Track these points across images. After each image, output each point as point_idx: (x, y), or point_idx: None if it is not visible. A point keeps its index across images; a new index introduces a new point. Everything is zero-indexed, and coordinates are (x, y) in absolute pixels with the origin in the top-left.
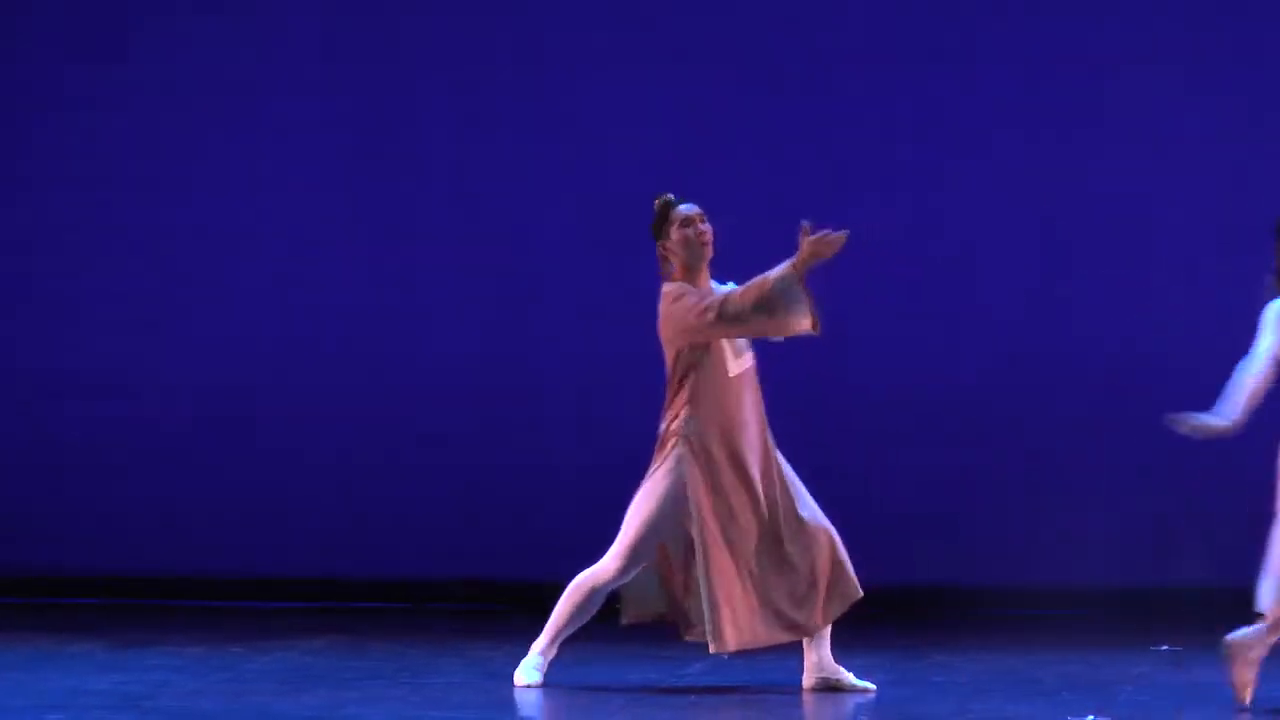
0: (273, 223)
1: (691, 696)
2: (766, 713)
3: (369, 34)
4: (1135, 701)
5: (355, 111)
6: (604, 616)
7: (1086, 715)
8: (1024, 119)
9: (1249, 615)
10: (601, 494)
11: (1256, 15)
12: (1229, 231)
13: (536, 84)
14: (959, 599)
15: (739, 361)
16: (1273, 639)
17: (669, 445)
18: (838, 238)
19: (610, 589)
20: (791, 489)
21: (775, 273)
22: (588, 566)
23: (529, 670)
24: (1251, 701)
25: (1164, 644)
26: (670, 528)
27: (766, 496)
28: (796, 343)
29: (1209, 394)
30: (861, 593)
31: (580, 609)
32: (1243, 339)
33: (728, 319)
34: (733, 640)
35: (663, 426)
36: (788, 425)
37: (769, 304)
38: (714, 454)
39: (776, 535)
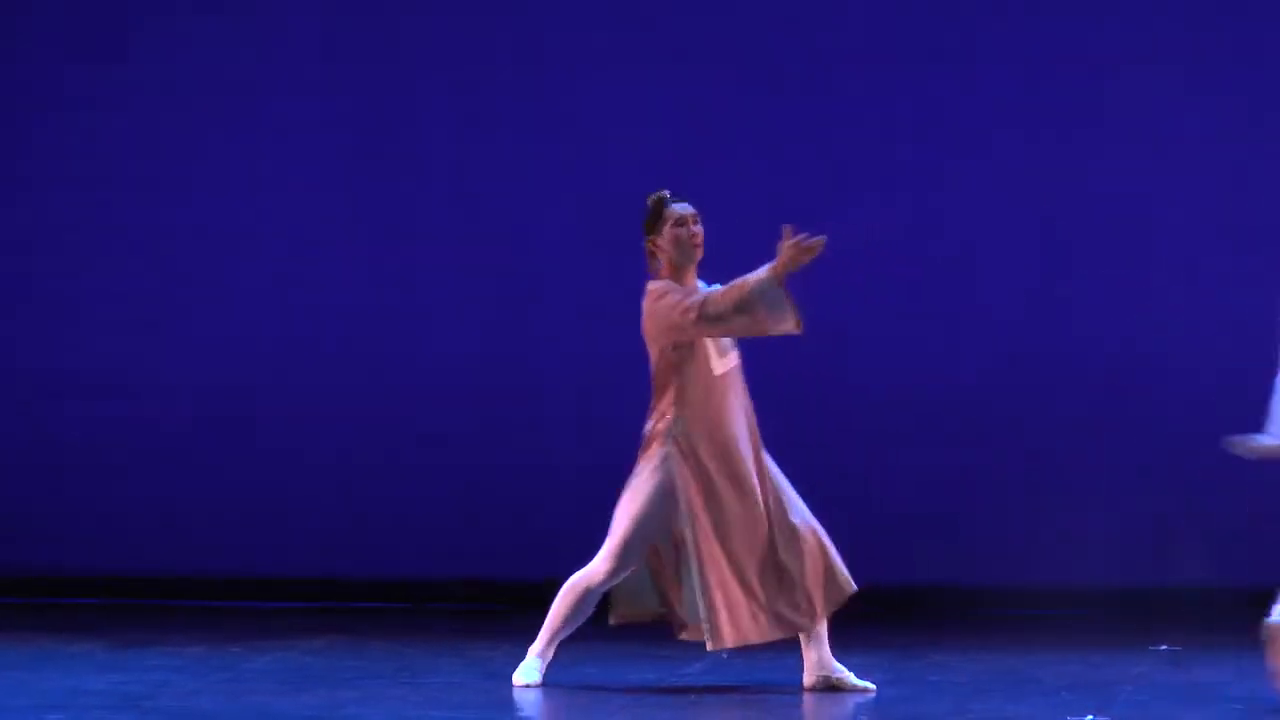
0: (273, 223)
1: (691, 696)
2: (766, 713)
3: (369, 34)
4: (1134, 701)
5: (355, 111)
6: (602, 617)
7: (1086, 715)
8: (1024, 119)
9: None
10: (601, 494)
11: (1256, 15)
12: (1229, 231)
13: (536, 84)
14: (958, 599)
15: (724, 361)
16: None
17: (655, 445)
18: (816, 242)
19: (604, 590)
20: (782, 493)
21: (754, 277)
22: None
23: (527, 672)
24: None
25: (1163, 644)
26: (659, 527)
27: (758, 495)
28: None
29: (1209, 394)
30: (855, 588)
31: (575, 611)
32: (1243, 339)
33: (709, 319)
34: (730, 637)
35: (648, 426)
36: (788, 425)
37: (749, 306)
38: (702, 453)
39: (770, 537)
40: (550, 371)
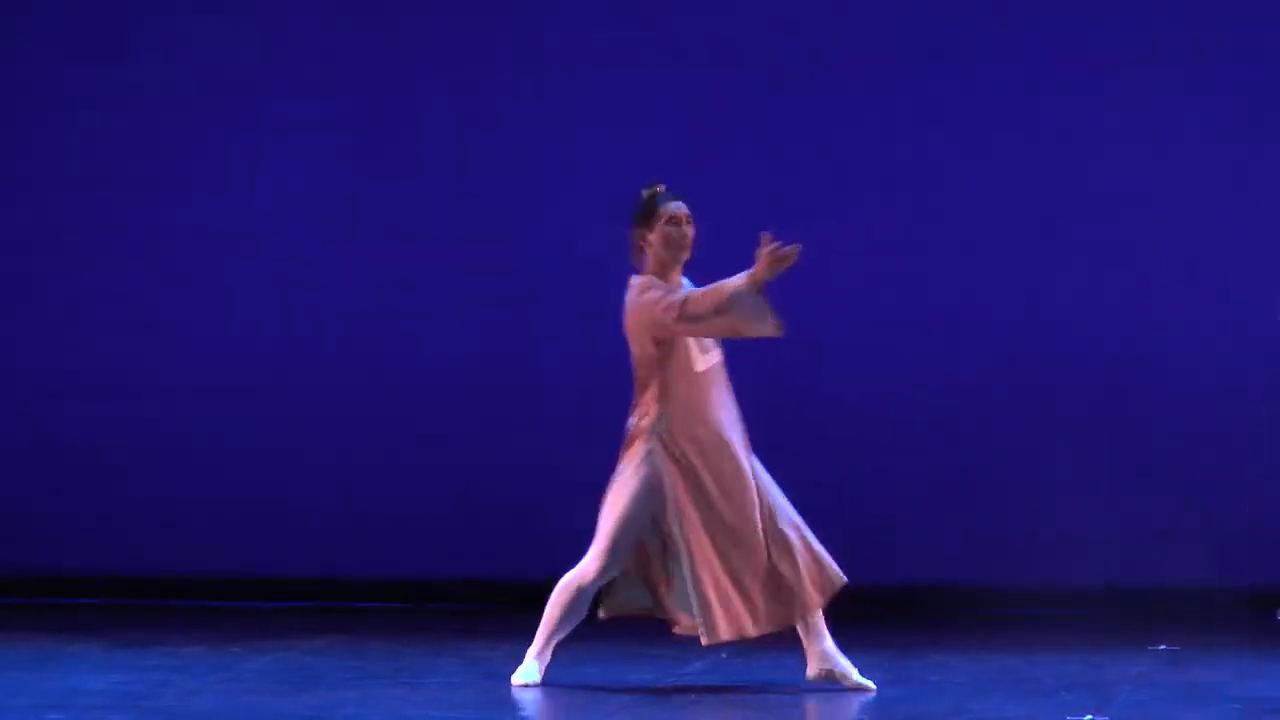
0: (273, 223)
1: (691, 696)
2: (766, 713)
3: (369, 34)
4: (1133, 701)
5: (355, 111)
6: (594, 614)
7: (1085, 715)
8: (1024, 119)
9: (1249, 615)
10: (601, 494)
11: (1256, 15)
12: (1229, 231)
13: (536, 84)
14: (958, 599)
15: (706, 358)
16: None
17: (639, 442)
18: (791, 251)
19: (596, 588)
20: (771, 500)
21: (732, 283)
22: None
23: (526, 673)
24: None
25: (1162, 644)
26: (646, 523)
27: (745, 490)
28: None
29: (1209, 394)
30: (845, 579)
31: (569, 611)
32: (1243, 339)
33: (689, 318)
34: (725, 631)
35: (631, 423)
36: (791, 425)
37: (727, 309)
38: (686, 449)
39: (766, 546)
40: (550, 371)
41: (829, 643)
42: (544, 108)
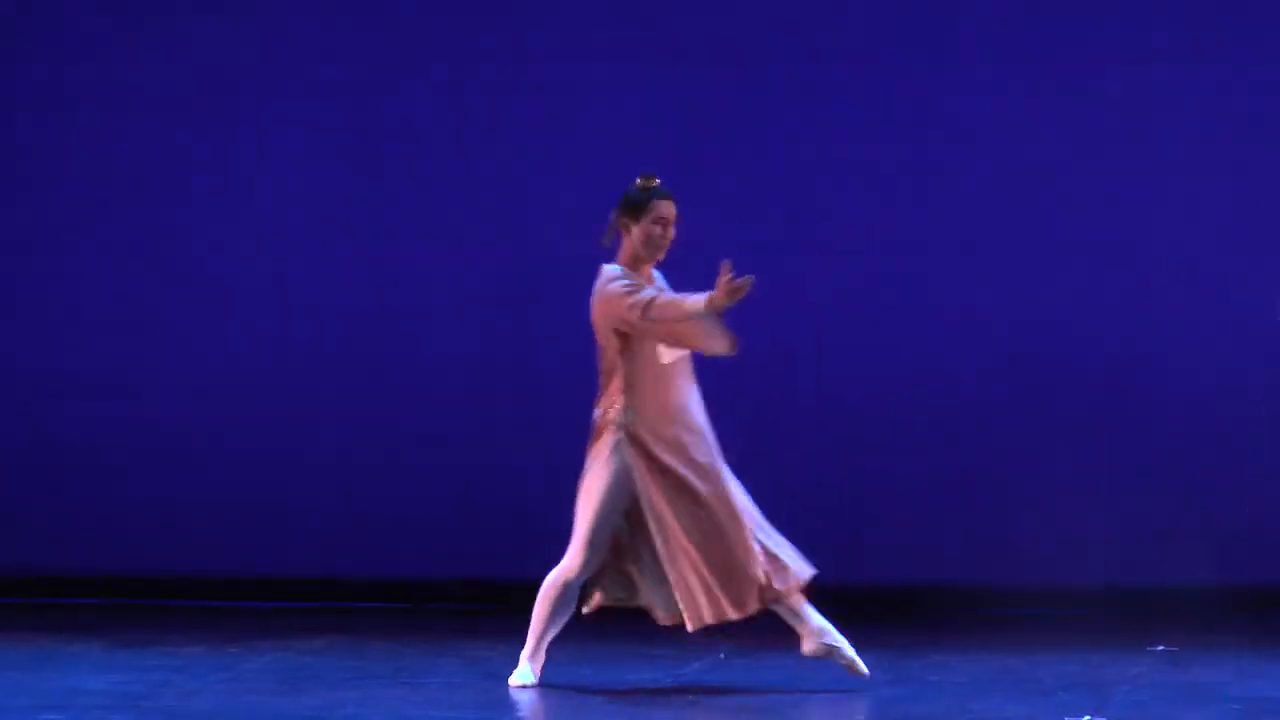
0: (273, 223)
1: (690, 697)
2: (765, 713)
3: (369, 34)
4: (1132, 701)
5: (355, 111)
6: (601, 617)
7: (1084, 715)
8: (1024, 119)
9: (1249, 615)
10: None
11: (1257, 15)
12: (1229, 231)
13: (536, 84)
14: (958, 599)
15: (672, 350)
16: None
17: (606, 434)
18: (744, 283)
19: (581, 581)
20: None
21: (691, 302)
22: None
23: (522, 674)
24: None
25: (1161, 644)
26: (620, 514)
27: (713, 480)
28: (798, 344)
29: (1209, 394)
30: (813, 570)
31: (557, 608)
32: (1243, 339)
33: (651, 320)
34: (708, 614)
35: (597, 415)
36: (787, 425)
37: (684, 323)
38: (651, 441)
39: (736, 518)
40: (550, 371)
41: (818, 619)
42: (544, 107)
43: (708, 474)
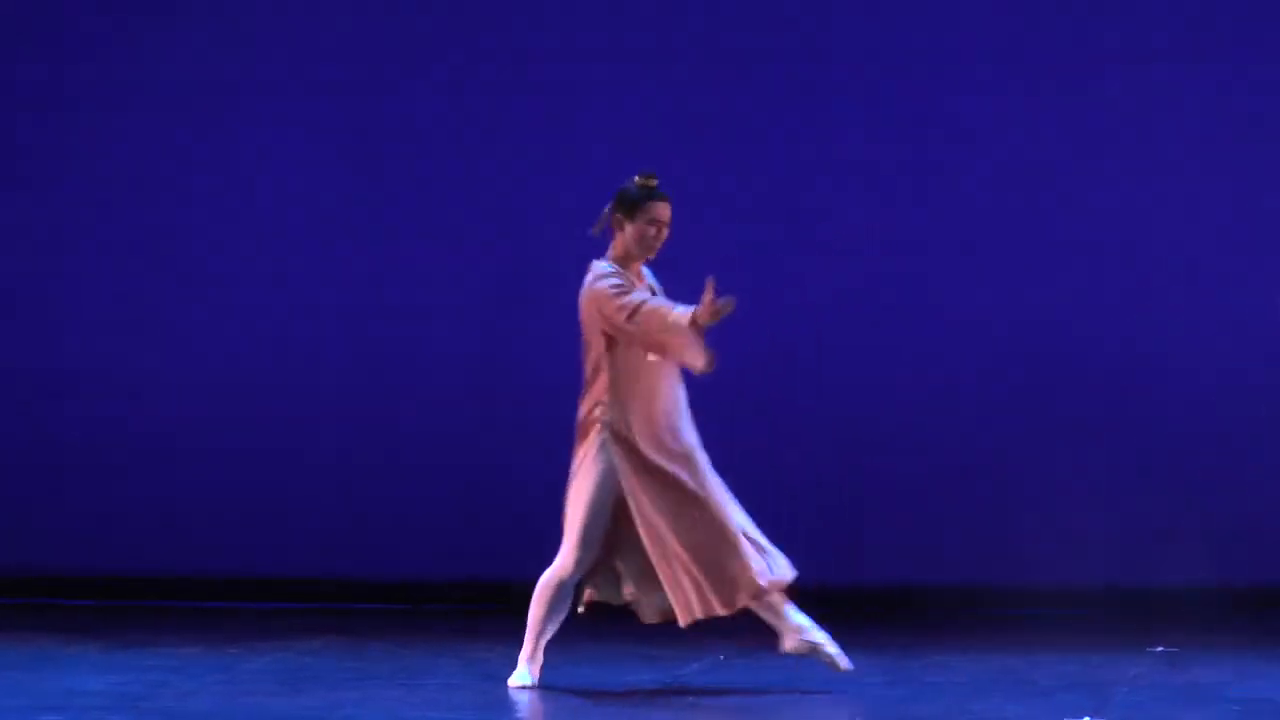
0: (272, 223)
1: (689, 698)
2: (765, 713)
3: (368, 34)
4: (1131, 702)
5: (355, 111)
6: (600, 618)
7: (1083, 716)
8: (1024, 119)
9: (1249, 615)
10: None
11: (1257, 15)
12: (1229, 231)
13: (536, 84)
14: (958, 599)
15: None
16: None
17: (592, 433)
18: (725, 305)
19: (575, 580)
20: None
21: (675, 316)
22: None
23: (520, 676)
24: None
25: (1160, 645)
26: (610, 511)
27: (699, 477)
28: (798, 344)
29: (1209, 394)
30: (795, 572)
31: (552, 607)
32: (1243, 339)
33: (636, 324)
34: (699, 609)
35: (582, 413)
36: (787, 425)
37: (667, 335)
38: (637, 439)
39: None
40: (550, 371)
41: (797, 616)
42: (544, 107)
43: (694, 471)
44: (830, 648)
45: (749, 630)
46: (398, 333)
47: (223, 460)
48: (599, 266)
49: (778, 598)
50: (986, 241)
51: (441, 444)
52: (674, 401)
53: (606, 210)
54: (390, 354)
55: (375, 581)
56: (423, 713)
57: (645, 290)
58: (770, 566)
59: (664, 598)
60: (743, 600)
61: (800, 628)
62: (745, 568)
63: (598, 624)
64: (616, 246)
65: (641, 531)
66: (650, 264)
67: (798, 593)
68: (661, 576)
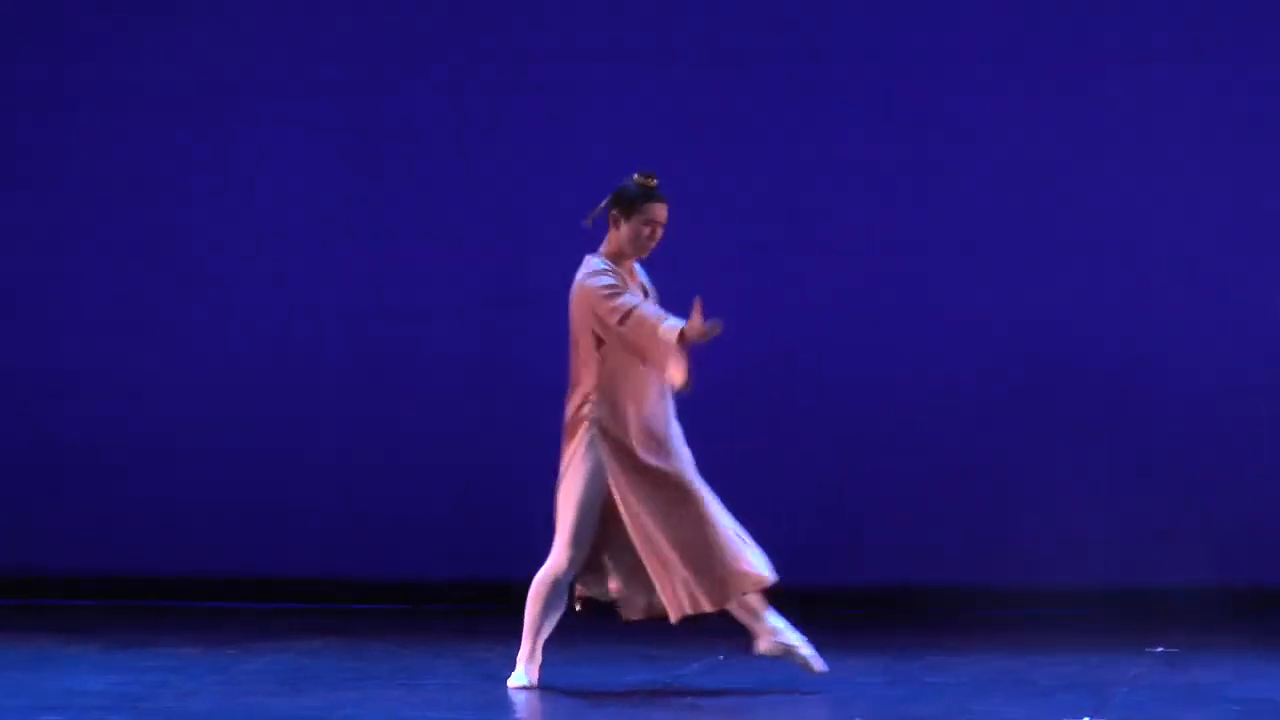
0: (272, 223)
1: (689, 699)
2: (765, 713)
3: (367, 34)
4: (1131, 702)
5: (355, 111)
6: (599, 618)
7: (1083, 716)
8: (1024, 119)
9: (1249, 615)
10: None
11: (1257, 15)
12: (1229, 231)
13: (536, 84)
14: (958, 599)
15: None
16: None
17: (580, 430)
18: (714, 328)
19: (570, 577)
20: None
21: (663, 330)
22: None
23: (519, 676)
24: None
25: (1160, 645)
26: (601, 507)
27: (685, 474)
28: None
29: (1209, 394)
30: (775, 575)
31: (548, 605)
32: (1243, 339)
33: (625, 327)
34: (688, 604)
35: (569, 411)
36: (787, 425)
37: (654, 344)
38: (625, 436)
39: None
40: (550, 371)
41: (773, 619)
42: (544, 107)
43: (681, 468)
44: (805, 650)
45: (748, 630)
46: (398, 333)
47: (223, 460)
48: (592, 263)
49: (756, 599)
50: (986, 241)
51: (441, 444)
52: (661, 399)
53: (603, 204)
54: (390, 354)
55: (375, 581)
56: (423, 713)
57: (637, 290)
58: (753, 567)
59: (651, 595)
60: (731, 596)
61: (775, 630)
62: (734, 565)
63: (596, 624)
64: (610, 243)
65: (630, 528)
66: (644, 262)
67: (798, 593)
68: (651, 573)
